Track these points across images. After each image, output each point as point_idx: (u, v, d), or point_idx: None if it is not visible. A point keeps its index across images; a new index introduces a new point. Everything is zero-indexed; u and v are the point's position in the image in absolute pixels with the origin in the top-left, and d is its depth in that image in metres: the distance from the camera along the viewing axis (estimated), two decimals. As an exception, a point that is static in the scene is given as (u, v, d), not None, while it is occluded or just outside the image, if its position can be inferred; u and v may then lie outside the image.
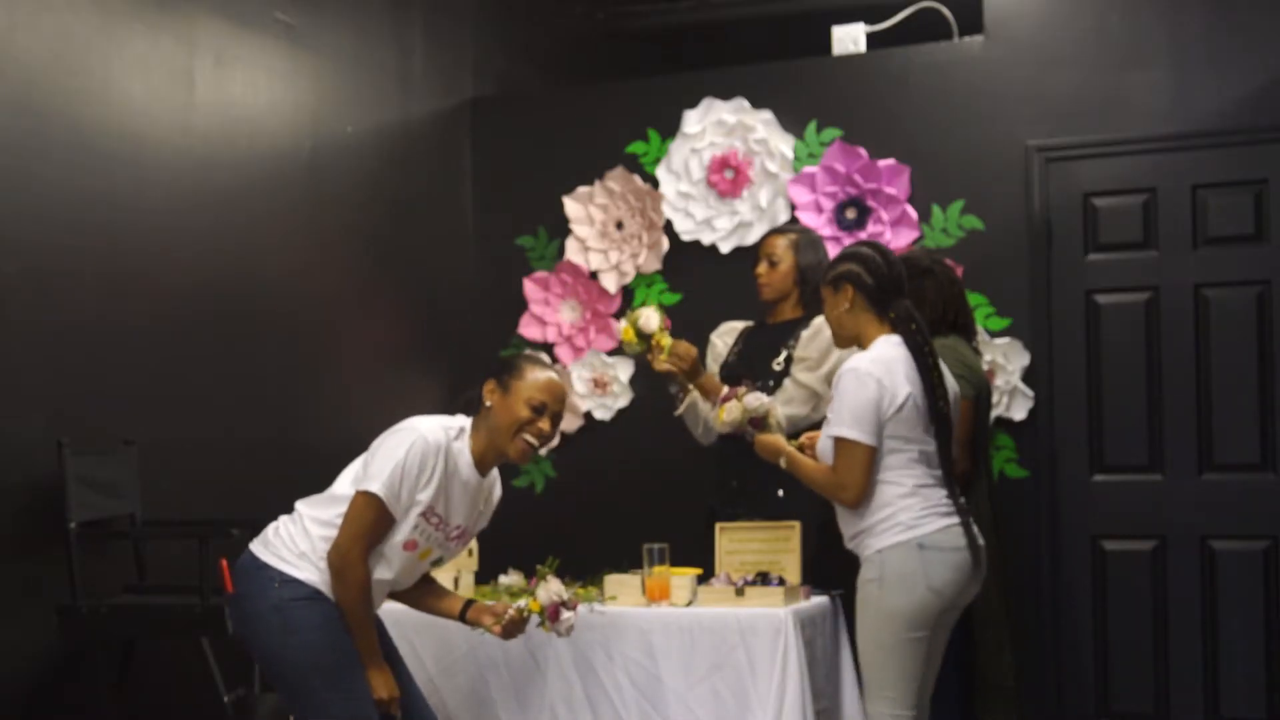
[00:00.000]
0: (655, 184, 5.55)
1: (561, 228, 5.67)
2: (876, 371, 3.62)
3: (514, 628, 3.59)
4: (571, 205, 5.64)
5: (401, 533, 3.40)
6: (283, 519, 3.47)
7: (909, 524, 3.61)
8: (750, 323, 4.78)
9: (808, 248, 4.63)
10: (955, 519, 3.64)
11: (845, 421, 3.63)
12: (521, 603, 3.58)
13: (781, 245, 4.58)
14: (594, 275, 5.62)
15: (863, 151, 5.26)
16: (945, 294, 4.36)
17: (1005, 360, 5.06)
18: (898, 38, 5.44)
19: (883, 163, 5.24)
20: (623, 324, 4.34)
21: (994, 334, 5.10)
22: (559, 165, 5.68)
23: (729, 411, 3.97)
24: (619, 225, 5.58)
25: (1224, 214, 4.92)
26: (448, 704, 4.05)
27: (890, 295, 3.73)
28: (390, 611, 4.14)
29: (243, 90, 4.66)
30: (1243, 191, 4.91)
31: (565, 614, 3.59)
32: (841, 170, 5.28)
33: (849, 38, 5.46)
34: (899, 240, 5.18)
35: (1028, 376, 5.07)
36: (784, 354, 4.47)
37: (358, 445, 5.07)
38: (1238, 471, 4.89)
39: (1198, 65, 4.94)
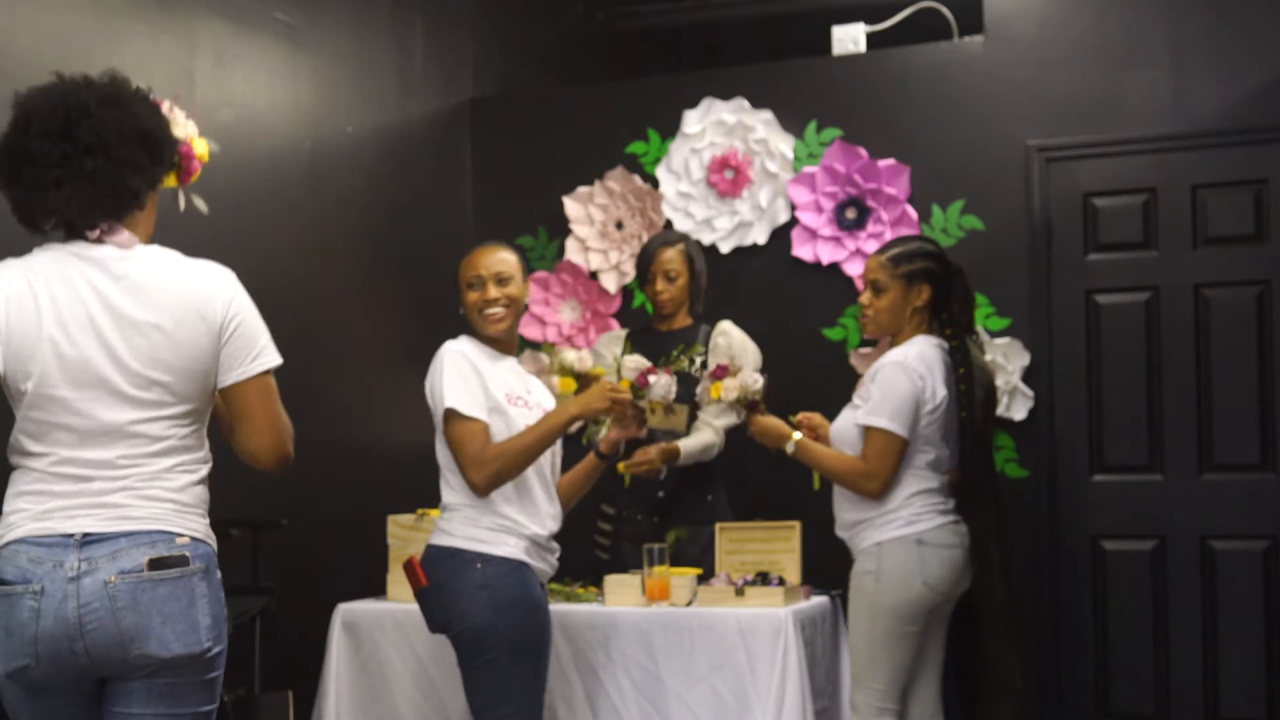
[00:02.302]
0: (655, 184, 5.55)
1: (561, 228, 5.67)
2: (921, 368, 3.67)
3: (639, 418, 3.79)
4: (571, 205, 5.64)
5: (518, 427, 3.54)
6: (446, 515, 3.58)
7: (909, 519, 3.65)
8: (627, 329, 4.81)
9: (696, 254, 4.72)
10: (951, 517, 3.69)
11: (885, 413, 3.65)
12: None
13: (676, 259, 4.64)
14: (594, 275, 5.62)
15: (863, 151, 5.26)
16: (969, 294, 4.40)
17: (1005, 360, 5.06)
18: (898, 38, 5.44)
19: (883, 163, 5.24)
20: (555, 380, 4.21)
21: (994, 334, 5.10)
22: (559, 165, 5.68)
23: (726, 390, 3.94)
24: (619, 225, 5.58)
25: (1224, 214, 4.92)
26: (448, 704, 4.05)
27: (948, 299, 3.78)
28: (392, 612, 4.15)
29: (243, 90, 4.66)
30: (1243, 191, 4.90)
31: (653, 379, 3.81)
32: (841, 170, 5.27)
33: (849, 38, 5.46)
34: (899, 240, 5.18)
35: (1028, 376, 5.07)
36: (699, 361, 4.49)
37: (357, 444, 5.10)
38: (1238, 471, 4.89)
39: (1198, 65, 4.94)
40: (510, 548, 3.49)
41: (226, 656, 2.65)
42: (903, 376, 3.66)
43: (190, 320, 2.55)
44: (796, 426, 3.94)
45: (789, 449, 3.85)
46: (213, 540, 2.65)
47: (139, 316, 2.52)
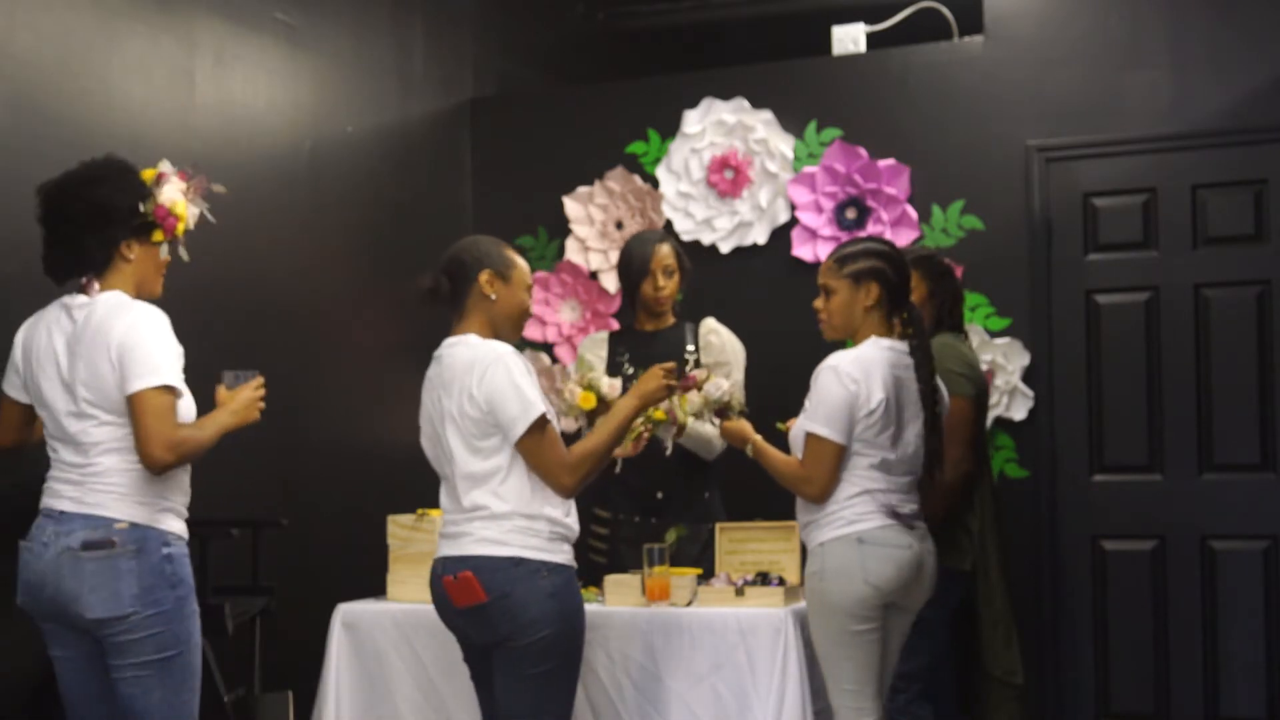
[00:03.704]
0: (655, 184, 5.55)
1: (561, 228, 5.67)
2: (855, 373, 3.65)
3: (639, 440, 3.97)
4: (571, 205, 5.64)
5: (558, 427, 3.53)
6: (492, 523, 3.44)
7: (851, 519, 3.65)
8: (608, 332, 4.76)
9: (682, 250, 4.65)
10: (899, 520, 3.67)
11: (819, 418, 3.65)
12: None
13: (671, 255, 4.56)
14: (594, 275, 5.62)
15: (863, 151, 5.26)
16: (959, 293, 4.40)
17: (1005, 360, 5.06)
18: (898, 38, 5.44)
19: (883, 163, 5.24)
20: (576, 389, 4.13)
21: (994, 334, 5.10)
22: (559, 165, 5.68)
23: (691, 402, 3.96)
24: (619, 225, 5.58)
25: (1224, 214, 4.92)
26: (448, 705, 4.05)
27: (903, 298, 3.76)
28: (392, 612, 4.15)
29: (243, 90, 4.66)
30: (1243, 191, 4.91)
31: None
32: (841, 170, 5.28)
33: (849, 38, 5.47)
34: (899, 240, 5.17)
35: (1028, 376, 5.07)
36: (691, 360, 4.48)
37: (357, 444, 5.10)
38: (1238, 471, 4.89)
39: (1198, 65, 4.94)
40: (565, 554, 3.47)
41: (189, 617, 3.29)
42: (834, 382, 3.66)
43: (100, 348, 3.25)
44: (785, 433, 3.95)
45: (749, 451, 3.87)
46: (160, 523, 3.28)
47: (77, 348, 3.28)
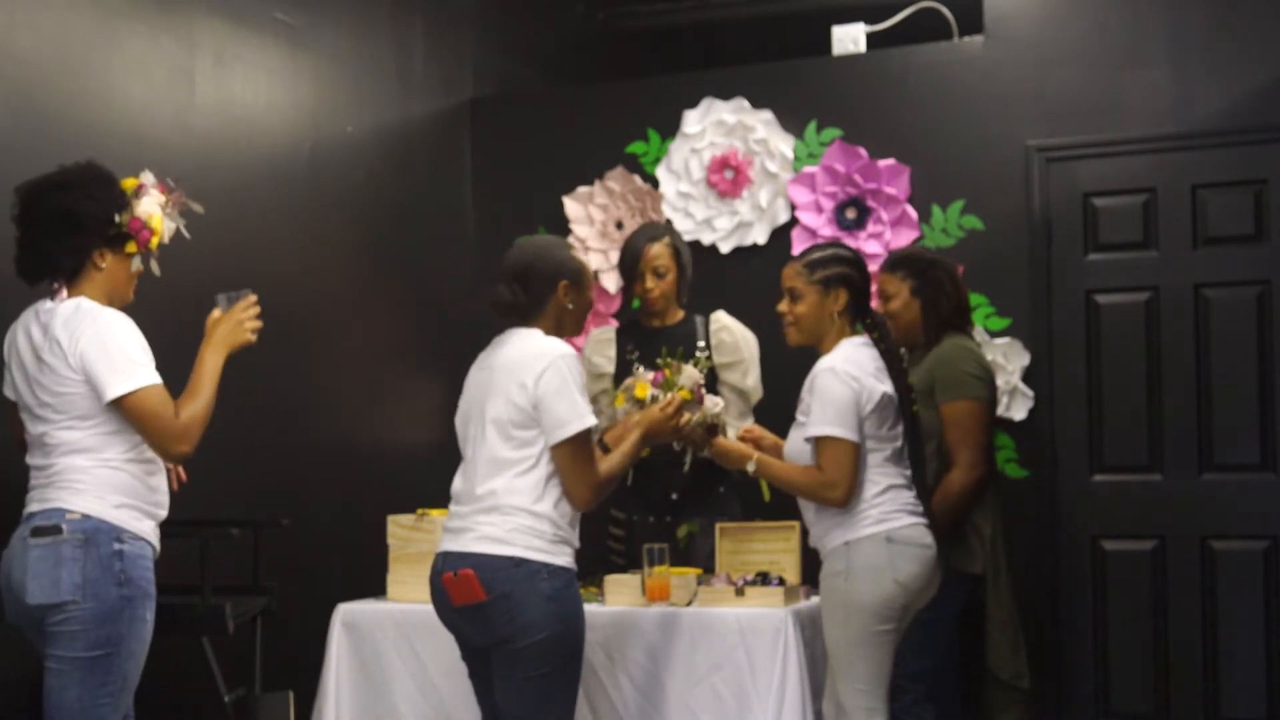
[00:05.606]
0: (655, 184, 5.55)
1: (561, 228, 5.67)
2: (853, 370, 3.67)
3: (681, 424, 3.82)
4: (571, 205, 5.64)
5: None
6: (490, 516, 3.44)
7: (879, 518, 3.64)
8: (615, 327, 4.72)
9: (682, 246, 4.59)
10: (921, 518, 3.69)
11: (829, 420, 3.64)
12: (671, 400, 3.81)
13: (664, 255, 4.51)
14: (594, 275, 5.62)
15: (863, 151, 5.26)
16: (957, 283, 4.38)
17: (1005, 360, 5.06)
18: (898, 38, 5.44)
19: (883, 163, 5.24)
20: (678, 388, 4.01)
21: (994, 334, 5.10)
22: (559, 165, 5.68)
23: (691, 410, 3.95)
24: (619, 225, 5.58)
25: (1224, 214, 4.92)
26: (448, 705, 4.05)
27: (867, 304, 3.80)
28: (392, 612, 4.15)
29: (243, 90, 4.66)
30: (1243, 191, 4.91)
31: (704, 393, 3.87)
32: (841, 170, 5.28)
33: (849, 38, 5.47)
34: (899, 240, 5.18)
35: (1028, 376, 5.07)
36: (702, 358, 4.45)
37: (357, 444, 5.10)
38: (1238, 471, 4.89)
39: (1198, 65, 4.94)
40: (567, 558, 3.47)
41: (132, 621, 3.27)
42: (835, 382, 3.66)
43: (57, 354, 3.28)
44: (759, 444, 3.94)
45: (750, 468, 3.84)
46: (116, 518, 3.27)
47: (40, 353, 3.31)
